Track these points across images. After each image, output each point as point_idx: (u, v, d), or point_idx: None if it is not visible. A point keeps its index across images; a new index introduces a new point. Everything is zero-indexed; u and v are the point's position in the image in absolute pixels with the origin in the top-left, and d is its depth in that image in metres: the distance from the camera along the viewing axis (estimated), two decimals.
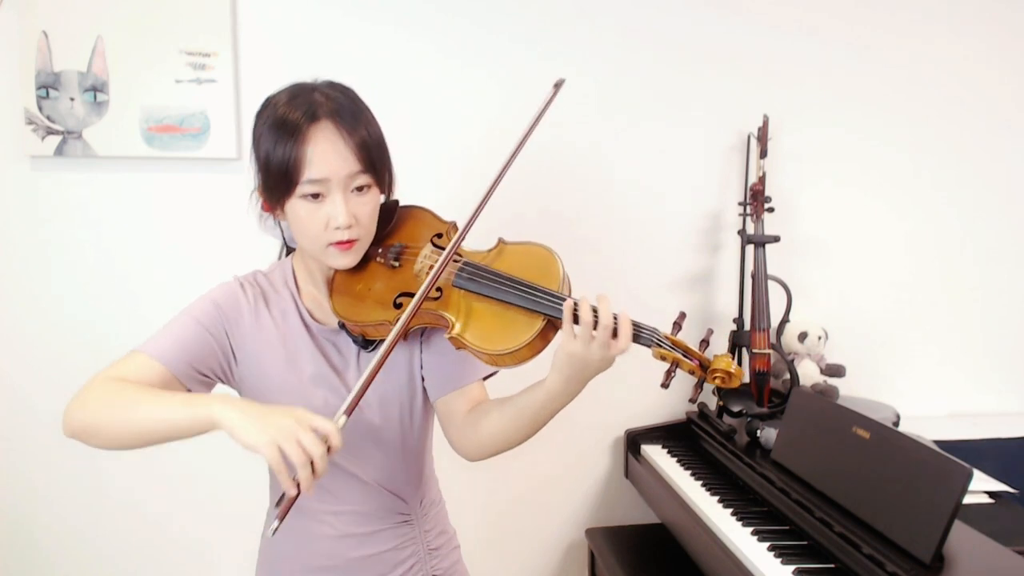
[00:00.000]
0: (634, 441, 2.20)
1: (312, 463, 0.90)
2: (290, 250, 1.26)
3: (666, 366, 1.03)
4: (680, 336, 1.04)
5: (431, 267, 1.12)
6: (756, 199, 2.09)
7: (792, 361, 2.10)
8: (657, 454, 2.11)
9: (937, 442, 1.83)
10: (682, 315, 1.07)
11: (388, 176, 1.17)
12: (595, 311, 1.00)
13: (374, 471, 1.21)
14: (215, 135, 1.99)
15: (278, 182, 1.08)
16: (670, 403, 2.25)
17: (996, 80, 2.35)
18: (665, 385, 1.03)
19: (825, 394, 2.05)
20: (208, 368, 1.12)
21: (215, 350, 1.12)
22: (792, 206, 2.24)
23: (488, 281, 1.09)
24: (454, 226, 1.20)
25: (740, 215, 2.15)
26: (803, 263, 2.27)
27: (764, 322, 2.03)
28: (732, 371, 1.02)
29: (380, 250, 1.18)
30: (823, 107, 2.26)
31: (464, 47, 2.10)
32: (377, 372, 1.01)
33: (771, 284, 2.06)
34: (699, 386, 1.04)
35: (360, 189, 1.10)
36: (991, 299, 2.40)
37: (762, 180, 2.09)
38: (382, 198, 1.18)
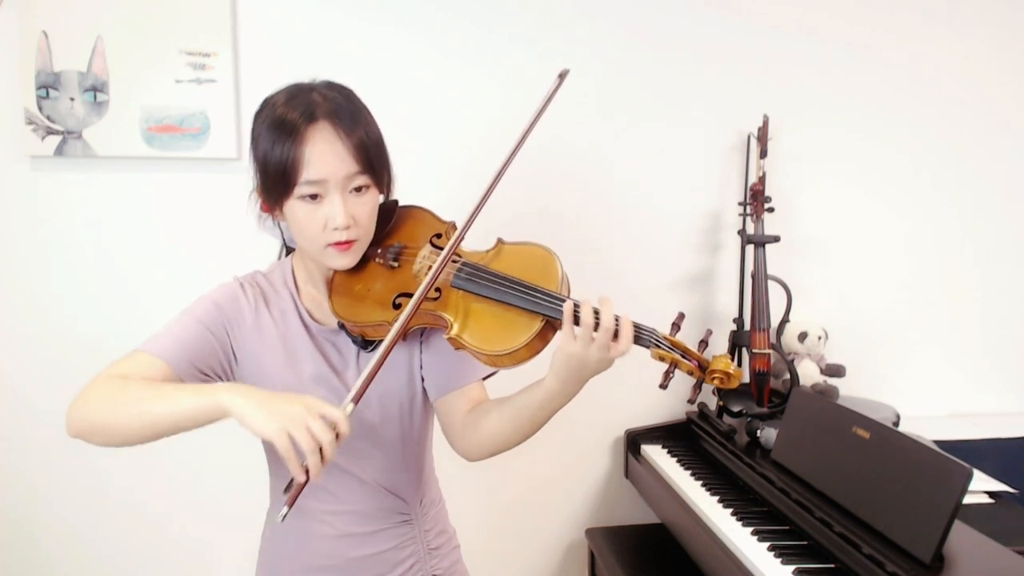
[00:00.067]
0: (634, 441, 2.20)
1: (321, 449, 0.91)
2: (290, 250, 1.26)
3: (664, 367, 1.03)
4: (679, 337, 1.04)
5: (430, 267, 1.12)
6: (756, 199, 2.09)
7: (792, 361, 2.10)
8: (657, 454, 2.11)
9: (937, 442, 1.83)
10: (681, 316, 1.07)
11: (387, 176, 1.17)
12: (596, 313, 1.00)
13: (374, 471, 1.21)
14: (215, 135, 1.99)
15: (276, 183, 1.08)
16: (670, 403, 2.25)
17: (996, 80, 2.35)
18: (663, 386, 1.03)
19: (825, 394, 2.05)
20: (209, 367, 1.12)
21: (216, 349, 1.12)
22: (792, 206, 2.24)
23: (487, 281, 1.09)
24: (453, 226, 1.20)
25: (740, 215, 2.15)
26: (803, 263, 2.27)
27: (764, 322, 2.03)
28: (731, 372, 1.02)
29: (379, 250, 1.18)
30: (823, 107, 2.26)
31: (464, 47, 2.10)
32: (382, 363, 1.02)
33: (771, 284, 2.06)
34: (698, 387, 1.04)
35: (359, 190, 1.10)
36: (991, 299, 2.40)
37: (762, 180, 2.09)
38: (381, 198, 1.18)
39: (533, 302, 1.05)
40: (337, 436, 0.93)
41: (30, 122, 1.93)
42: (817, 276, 2.29)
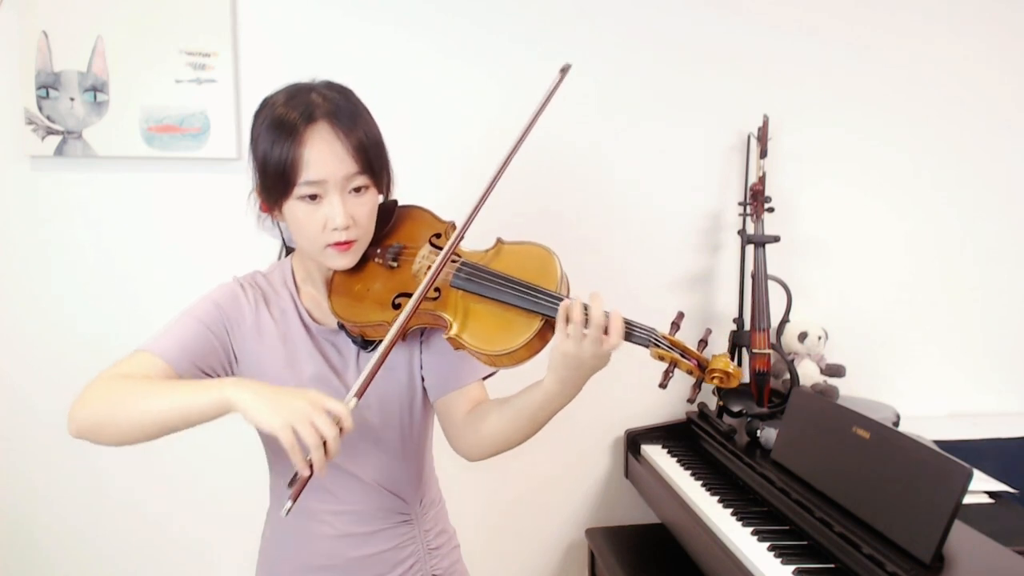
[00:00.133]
0: (634, 441, 2.20)
1: (325, 444, 0.91)
2: (290, 250, 1.26)
3: (664, 366, 1.03)
4: (678, 336, 1.04)
5: (429, 267, 1.12)
6: (756, 199, 2.09)
7: (792, 361, 2.10)
8: (657, 454, 2.11)
9: (937, 442, 1.83)
10: (680, 315, 1.07)
11: (386, 176, 1.17)
12: (586, 309, 1.00)
13: (374, 471, 1.21)
14: (215, 135, 1.99)
15: (275, 183, 1.08)
16: (670, 403, 2.25)
17: (996, 80, 2.35)
18: (663, 385, 1.03)
19: (825, 394, 2.05)
20: (210, 366, 1.12)
21: (217, 349, 1.12)
22: (792, 206, 2.24)
23: (486, 281, 1.09)
24: (452, 226, 1.20)
25: (740, 215, 2.15)
26: (803, 263, 2.27)
27: (764, 322, 2.03)
28: (730, 371, 1.01)
29: (378, 250, 1.18)
30: (823, 107, 2.26)
31: (464, 47, 2.10)
32: (384, 359, 1.02)
33: (771, 284, 2.06)
34: (697, 386, 1.04)
35: (358, 190, 1.10)
36: (991, 299, 2.40)
37: (762, 180, 2.09)
38: (380, 198, 1.18)
39: (532, 302, 1.05)
40: (341, 431, 0.93)
41: (30, 122, 1.93)
42: (817, 276, 2.29)
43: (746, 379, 2.07)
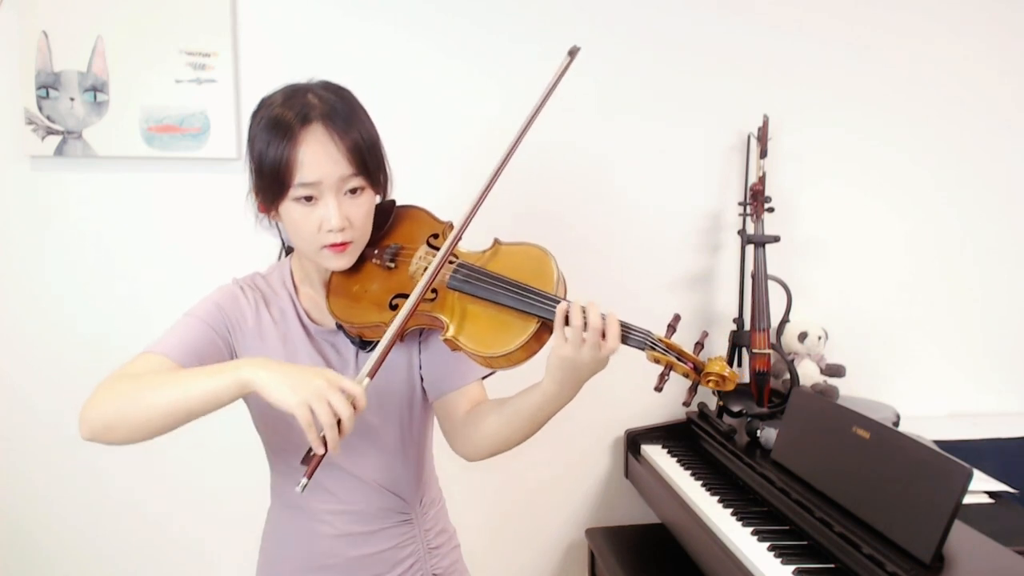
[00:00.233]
0: (634, 441, 2.20)
1: (339, 422, 0.93)
2: (289, 250, 1.26)
3: (660, 369, 1.03)
4: (675, 339, 1.04)
5: (426, 268, 1.12)
6: (756, 199, 2.09)
7: (792, 361, 2.10)
8: (657, 454, 2.11)
9: (937, 442, 1.83)
10: (676, 317, 1.07)
11: (383, 177, 1.17)
12: (583, 312, 1.00)
13: (374, 471, 1.21)
14: (215, 135, 1.99)
15: (271, 184, 1.08)
16: (670, 403, 2.25)
17: (996, 80, 2.35)
18: (659, 388, 1.02)
19: (825, 394, 2.05)
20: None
21: (221, 348, 1.13)
22: (792, 206, 2.24)
23: (482, 283, 1.09)
24: (450, 226, 1.20)
25: (740, 215, 2.15)
26: (803, 263, 2.27)
27: (764, 322, 2.03)
28: (726, 375, 1.01)
29: (376, 251, 1.18)
30: (823, 107, 2.26)
31: (464, 47, 2.10)
32: (393, 345, 1.04)
33: (771, 284, 2.06)
34: (693, 389, 1.04)
35: (354, 191, 1.10)
36: (991, 299, 2.40)
37: (762, 180, 2.09)
38: (378, 199, 1.18)
39: (528, 303, 1.05)
40: (355, 409, 0.94)
41: (30, 122, 1.93)
42: (817, 276, 2.29)
43: (746, 379, 2.07)
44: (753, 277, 2.07)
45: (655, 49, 2.18)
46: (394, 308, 1.13)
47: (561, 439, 2.21)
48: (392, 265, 1.17)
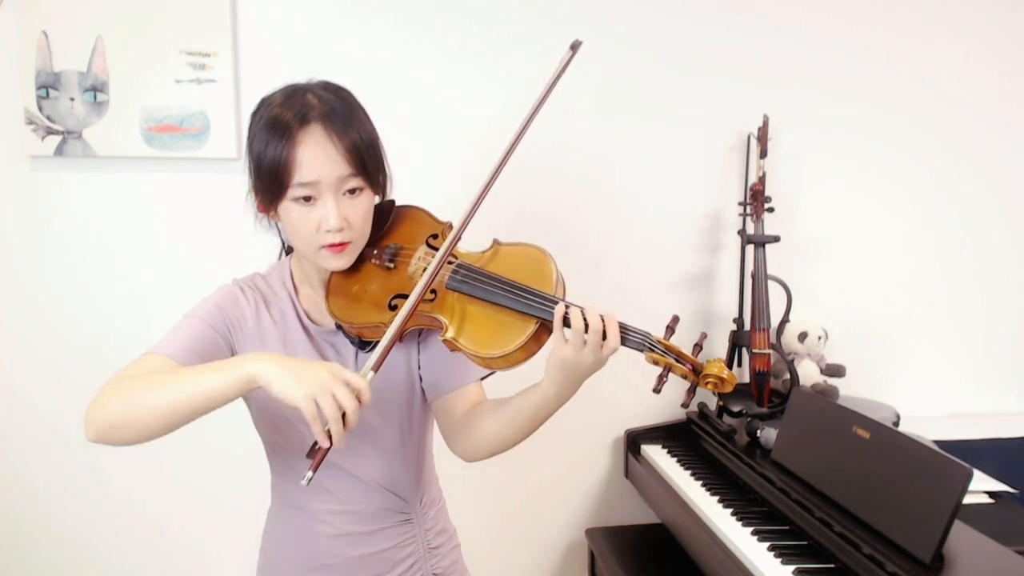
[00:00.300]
0: (634, 441, 2.20)
1: (344, 416, 0.93)
2: (290, 250, 1.26)
3: (659, 370, 1.03)
4: (673, 340, 1.04)
5: (425, 269, 1.12)
6: (756, 199, 2.09)
7: (792, 361, 2.10)
8: (657, 454, 2.11)
9: (937, 442, 1.83)
10: (675, 319, 1.07)
11: (382, 178, 1.17)
12: (584, 315, 1.00)
13: (374, 471, 1.21)
14: (215, 135, 1.99)
15: (269, 184, 1.08)
16: (670, 403, 2.25)
17: (996, 80, 2.34)
18: (657, 390, 1.02)
19: (825, 394, 2.05)
20: None
21: (222, 348, 1.13)
22: (792, 206, 2.24)
23: (481, 284, 1.09)
24: (450, 226, 1.20)
25: (740, 215, 2.15)
26: (803, 263, 2.27)
27: (764, 322, 2.03)
28: (724, 376, 1.01)
29: (375, 251, 1.18)
30: (823, 107, 2.26)
31: (464, 47, 2.10)
32: (397, 338, 1.05)
33: (771, 284, 2.06)
34: (691, 391, 1.04)
35: (352, 192, 1.10)
36: (991, 299, 2.40)
37: (762, 180, 2.09)
38: (377, 199, 1.18)
39: (527, 304, 1.05)
40: (360, 403, 0.95)
41: (30, 122, 1.93)
42: (817, 276, 2.29)
43: (746, 379, 2.07)
44: (753, 277, 2.07)
45: (655, 49, 2.18)
46: (393, 308, 1.13)
47: (561, 439, 2.21)
48: (391, 265, 1.17)
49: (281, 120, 1.07)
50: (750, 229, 2.10)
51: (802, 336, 2.15)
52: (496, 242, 1.17)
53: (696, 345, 1.05)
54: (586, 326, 1.00)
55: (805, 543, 1.54)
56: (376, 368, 1.01)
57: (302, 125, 1.06)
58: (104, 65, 1.94)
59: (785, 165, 2.24)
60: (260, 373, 0.94)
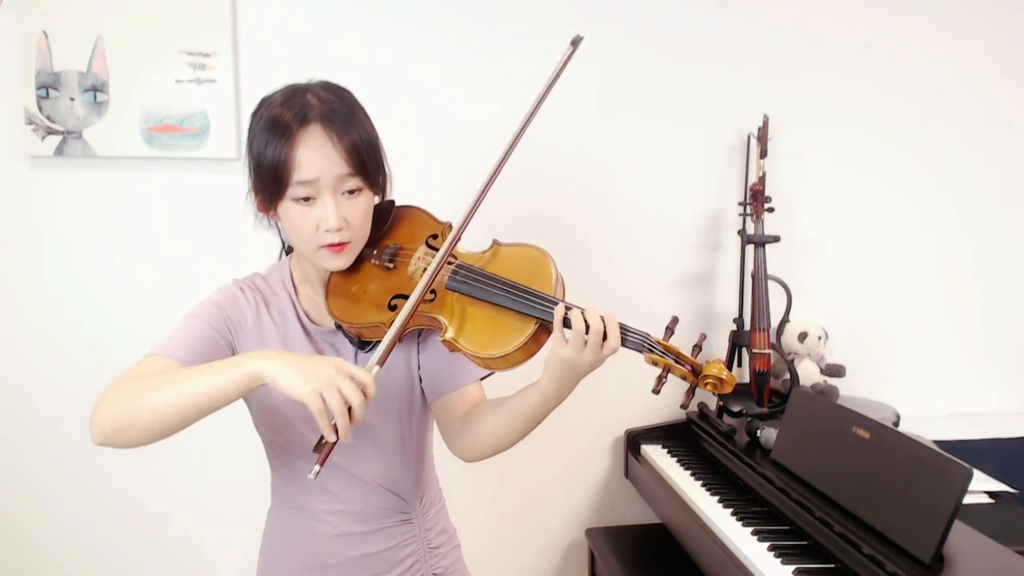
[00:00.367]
0: (634, 441, 2.20)
1: (350, 410, 0.93)
2: (290, 250, 1.26)
3: (658, 371, 1.03)
4: (673, 341, 1.04)
5: (424, 269, 1.12)
6: (756, 199, 2.09)
7: (792, 361, 2.10)
8: (657, 454, 2.11)
9: (937, 442, 1.83)
10: (674, 320, 1.07)
11: (381, 178, 1.17)
12: (584, 316, 1.00)
13: (374, 471, 1.21)
14: (215, 135, 1.99)
15: (269, 183, 1.08)
16: (670, 403, 2.24)
17: (996, 80, 2.34)
18: (656, 391, 1.02)
19: (825, 394, 2.05)
20: None
21: (223, 348, 1.13)
22: (792, 206, 2.24)
23: (481, 284, 1.09)
24: (449, 226, 1.20)
25: (740, 215, 2.15)
26: (803, 263, 2.27)
27: (764, 322, 2.03)
28: (724, 377, 1.01)
29: (375, 251, 1.18)
30: (823, 107, 2.26)
31: (464, 47, 2.10)
32: (401, 333, 1.05)
33: (771, 284, 2.06)
34: (691, 391, 1.04)
35: (352, 192, 1.10)
36: (991, 299, 2.40)
37: (762, 180, 2.09)
38: (377, 199, 1.18)
39: (526, 305, 1.05)
40: (365, 397, 0.95)
41: (30, 122, 1.93)
42: (817, 276, 2.29)
43: (746, 379, 2.07)
44: (753, 277, 2.07)
45: (655, 49, 2.18)
46: (393, 308, 1.13)
47: (561, 439, 2.21)
48: (391, 265, 1.17)
49: (281, 120, 1.07)
50: (750, 229, 2.10)
51: (802, 336, 2.15)
52: (496, 242, 1.17)
53: (695, 346, 1.06)
54: (587, 327, 1.00)
55: (805, 543, 1.54)
56: (381, 362, 1.01)
57: (302, 125, 1.06)
58: (104, 65, 1.94)
59: (785, 165, 2.24)
60: (264, 370, 0.94)
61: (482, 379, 1.23)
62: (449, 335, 1.08)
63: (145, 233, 2.02)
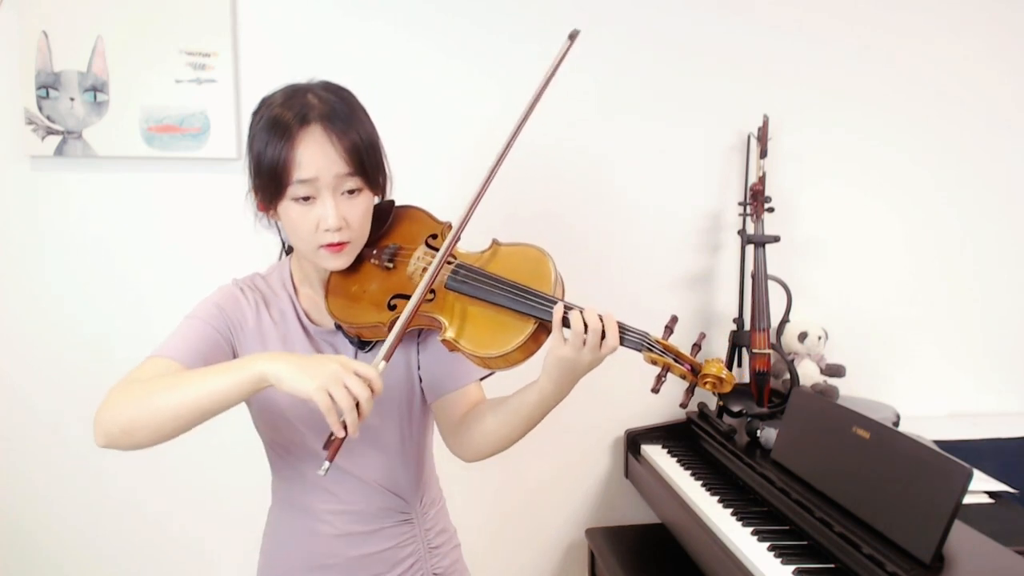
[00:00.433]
0: (634, 441, 2.20)
1: (358, 405, 0.93)
2: (290, 250, 1.26)
3: (657, 370, 1.03)
4: (672, 340, 1.04)
5: (424, 269, 1.12)
6: (756, 199, 2.09)
7: (792, 361, 2.10)
8: (657, 454, 2.11)
9: (937, 442, 1.83)
10: (674, 319, 1.07)
11: (381, 178, 1.17)
12: (583, 315, 1.00)
13: (374, 471, 1.21)
14: (215, 135, 1.99)
15: (268, 183, 1.08)
16: (670, 403, 2.24)
17: (996, 80, 2.34)
18: (655, 390, 1.02)
19: (825, 394, 2.05)
20: None
21: (224, 349, 1.13)
22: (792, 206, 2.24)
23: (480, 284, 1.09)
24: (449, 226, 1.20)
25: (740, 215, 2.15)
26: (803, 263, 2.27)
27: (764, 322, 2.03)
28: (723, 376, 1.01)
29: (374, 251, 1.18)
30: (823, 107, 2.26)
31: (464, 47, 2.10)
32: (406, 329, 1.05)
33: (771, 284, 2.06)
34: (690, 391, 1.04)
35: (351, 192, 1.10)
36: (991, 299, 2.40)
37: (762, 180, 2.09)
38: (376, 199, 1.18)
39: (526, 304, 1.05)
40: (372, 393, 0.95)
41: (30, 122, 1.93)
42: (817, 276, 2.29)
43: (746, 379, 2.07)
44: (753, 277, 2.07)
45: (655, 49, 2.18)
46: (392, 308, 1.13)
47: (561, 439, 2.21)
48: (390, 265, 1.17)
49: (281, 120, 1.07)
50: (750, 229, 2.10)
51: (802, 336, 2.15)
52: (495, 242, 1.17)
53: (695, 345, 1.05)
54: (585, 326, 1.00)
55: (805, 543, 1.54)
56: (387, 358, 1.02)
57: (302, 125, 1.06)
58: (104, 65, 1.94)
59: (785, 165, 2.24)
60: (269, 371, 0.95)
61: (482, 379, 1.23)
62: (449, 335, 1.08)
63: (145, 233, 2.02)
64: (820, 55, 2.25)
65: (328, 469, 0.95)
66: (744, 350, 2.10)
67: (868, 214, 2.32)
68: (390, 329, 1.07)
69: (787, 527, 1.62)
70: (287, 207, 1.09)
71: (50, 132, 1.94)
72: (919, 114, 2.31)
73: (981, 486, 1.74)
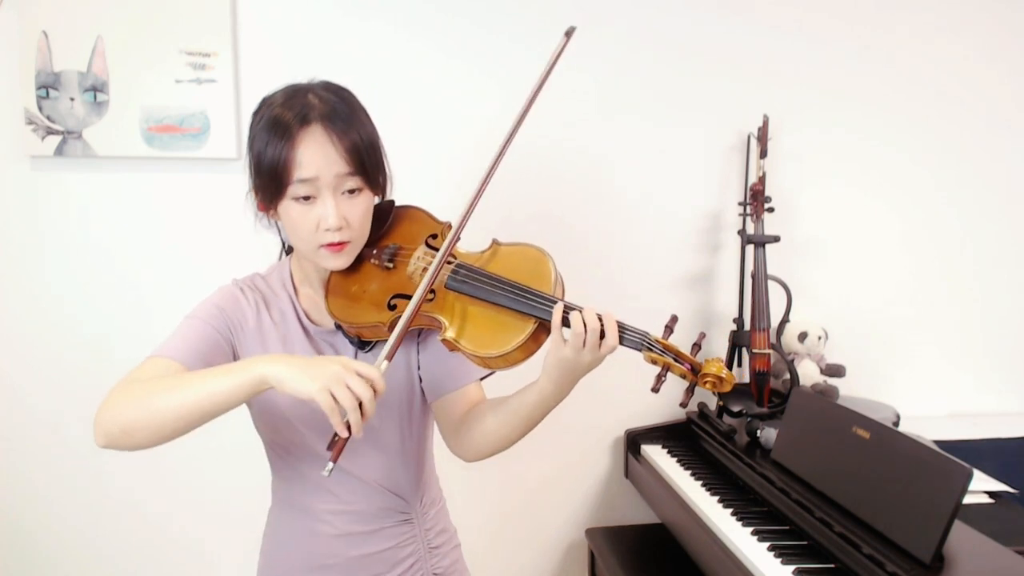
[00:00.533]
0: (634, 441, 2.20)
1: (361, 405, 0.93)
2: (290, 250, 1.26)
3: (657, 370, 1.03)
4: (672, 340, 1.04)
5: (424, 269, 1.12)
6: (756, 199, 2.09)
7: (792, 361, 2.10)
8: (657, 454, 2.11)
9: (937, 442, 1.83)
10: (674, 318, 1.07)
11: (381, 178, 1.17)
12: (582, 315, 1.01)
13: (374, 471, 1.21)
14: (215, 135, 1.99)
15: (269, 183, 1.08)
16: (670, 403, 2.25)
17: (996, 80, 2.34)
18: (655, 389, 1.02)
19: (825, 394, 2.05)
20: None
21: (225, 349, 1.13)
22: (792, 206, 2.24)
23: (480, 283, 1.09)
24: (449, 226, 1.20)
25: (740, 215, 2.15)
26: (803, 263, 2.27)
27: (764, 322, 2.03)
28: (723, 376, 1.01)
29: (374, 251, 1.18)
30: (823, 107, 2.26)
31: (464, 47, 2.10)
32: (408, 328, 1.05)
33: (771, 284, 2.06)
34: (690, 390, 1.04)
35: (352, 192, 1.10)
36: (991, 299, 2.40)
37: (762, 180, 2.09)
38: (376, 199, 1.18)
39: (526, 304, 1.05)
40: (375, 392, 0.95)
41: (30, 122, 1.93)
42: (817, 276, 2.29)
43: (746, 379, 2.07)
44: (753, 277, 2.07)
45: (655, 49, 2.18)
46: (392, 308, 1.13)
47: (561, 439, 2.21)
48: (390, 265, 1.17)
49: (282, 120, 1.07)
50: (750, 229, 2.10)
51: (802, 336, 2.15)
52: (495, 242, 1.17)
53: (695, 345, 1.05)
54: (585, 326, 1.00)
55: (805, 543, 1.54)
56: (390, 357, 1.02)
57: (303, 125, 1.07)
58: (104, 65, 1.94)
59: (785, 165, 2.24)
60: (270, 373, 0.95)
61: (482, 379, 1.23)
62: (449, 334, 1.08)
63: (145, 233, 2.02)
64: (820, 55, 2.25)
65: (332, 470, 0.95)
66: (744, 350, 2.10)
67: (868, 214, 2.32)
68: (390, 329, 1.07)
69: (787, 527, 1.62)
70: (287, 207, 1.09)
71: (50, 132, 1.94)
72: (919, 114, 2.31)
73: (981, 486, 1.74)
